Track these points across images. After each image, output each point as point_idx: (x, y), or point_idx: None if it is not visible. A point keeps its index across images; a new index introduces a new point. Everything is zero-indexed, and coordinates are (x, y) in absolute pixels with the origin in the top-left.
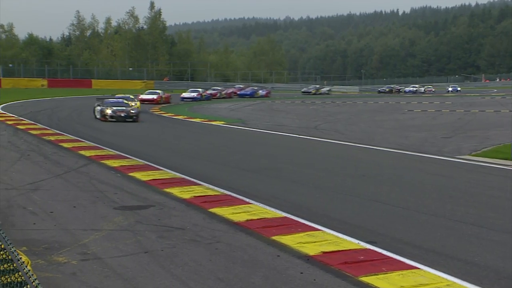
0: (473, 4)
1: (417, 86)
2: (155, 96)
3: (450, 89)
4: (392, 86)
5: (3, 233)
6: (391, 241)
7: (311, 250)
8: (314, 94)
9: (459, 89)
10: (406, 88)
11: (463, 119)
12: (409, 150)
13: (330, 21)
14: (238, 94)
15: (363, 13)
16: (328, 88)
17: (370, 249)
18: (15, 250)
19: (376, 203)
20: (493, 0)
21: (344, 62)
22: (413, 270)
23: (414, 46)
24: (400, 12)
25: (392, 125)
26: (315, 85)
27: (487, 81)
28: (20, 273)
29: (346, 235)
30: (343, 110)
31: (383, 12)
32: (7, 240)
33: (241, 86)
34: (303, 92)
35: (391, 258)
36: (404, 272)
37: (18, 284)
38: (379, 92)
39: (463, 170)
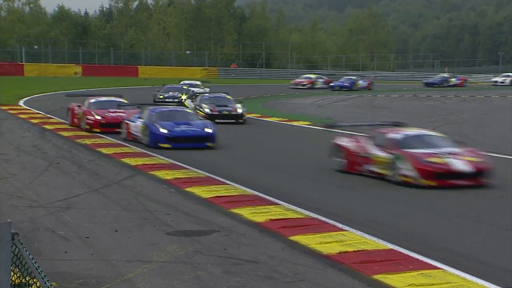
0: None
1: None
2: None
3: None
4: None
5: (36, 263)
6: None
7: None
8: (446, 86)
9: None
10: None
11: None
12: None
13: None
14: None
15: None
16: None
17: None
18: (50, 285)
19: None
20: None
21: (474, 41)
22: None
23: None
24: None
25: None
26: (443, 74)
27: None
28: None
29: (477, 277)
30: (472, 107)
31: None
32: (41, 272)
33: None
34: (425, 83)
35: None
36: None
37: None
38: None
39: None
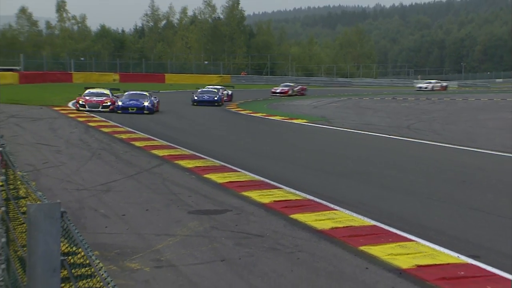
0: None
1: (432, 81)
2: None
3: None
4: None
5: (80, 236)
6: (496, 256)
7: (404, 263)
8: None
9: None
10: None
11: None
12: None
13: (426, 8)
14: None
15: None
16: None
17: (471, 264)
18: (92, 254)
19: (479, 213)
20: None
21: (441, 54)
22: None
23: None
24: None
25: (498, 124)
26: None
27: None
28: (98, 279)
29: (444, 247)
30: (440, 108)
31: None
32: (85, 243)
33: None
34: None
35: (497, 275)
36: None
37: None
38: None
39: None
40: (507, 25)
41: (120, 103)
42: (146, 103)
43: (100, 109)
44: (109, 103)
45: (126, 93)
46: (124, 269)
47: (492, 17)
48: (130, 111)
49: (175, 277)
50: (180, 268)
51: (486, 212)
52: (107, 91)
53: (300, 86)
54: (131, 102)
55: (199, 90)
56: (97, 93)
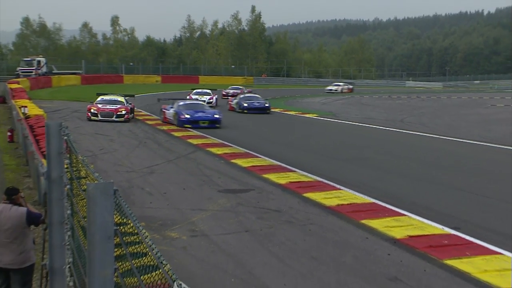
0: None
1: (341, 84)
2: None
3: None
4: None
5: (130, 210)
6: (474, 227)
7: (398, 233)
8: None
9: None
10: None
11: None
12: (492, 143)
13: (416, 21)
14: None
15: (448, 14)
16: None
17: (454, 234)
18: (140, 225)
19: (461, 192)
20: None
21: (429, 60)
22: (496, 256)
23: (498, 44)
24: (485, 12)
25: (476, 118)
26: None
27: None
28: (144, 245)
29: (431, 220)
30: (428, 105)
31: (468, 13)
32: (133, 216)
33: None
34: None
35: (475, 243)
36: (487, 257)
37: (143, 254)
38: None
39: None
40: (483, 37)
41: (187, 116)
42: (217, 115)
43: (114, 118)
44: (124, 112)
45: (181, 102)
46: (165, 237)
47: (471, 30)
48: (202, 124)
49: (207, 244)
50: (211, 237)
51: (467, 192)
52: (121, 98)
53: (347, 86)
54: (199, 114)
55: (194, 91)
56: (111, 100)
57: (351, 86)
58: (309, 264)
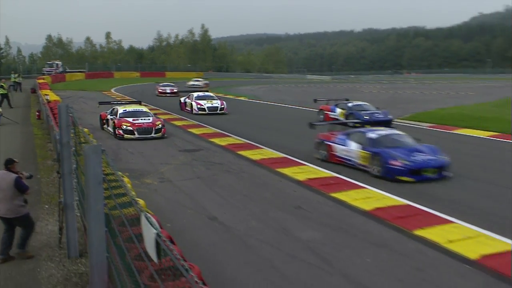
0: (398, 27)
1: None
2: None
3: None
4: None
5: (114, 164)
6: (351, 171)
7: (301, 177)
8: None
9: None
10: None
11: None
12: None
13: (313, 35)
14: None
15: (333, 31)
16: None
17: (336, 176)
18: (120, 175)
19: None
20: (413, 26)
21: (321, 61)
22: (363, 189)
23: (364, 52)
24: (356, 30)
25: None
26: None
27: (408, 74)
28: (123, 189)
29: (323, 168)
30: (321, 91)
31: (345, 30)
32: (115, 168)
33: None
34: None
35: (350, 182)
36: (358, 190)
37: (123, 194)
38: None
39: None
40: (355, 47)
41: (407, 163)
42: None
43: (153, 135)
44: (160, 126)
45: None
46: (142, 183)
47: (348, 42)
48: (428, 175)
49: (172, 187)
50: (175, 183)
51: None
52: (145, 108)
53: (205, 82)
54: (425, 158)
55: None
56: (136, 111)
57: (207, 82)
58: (241, 199)
